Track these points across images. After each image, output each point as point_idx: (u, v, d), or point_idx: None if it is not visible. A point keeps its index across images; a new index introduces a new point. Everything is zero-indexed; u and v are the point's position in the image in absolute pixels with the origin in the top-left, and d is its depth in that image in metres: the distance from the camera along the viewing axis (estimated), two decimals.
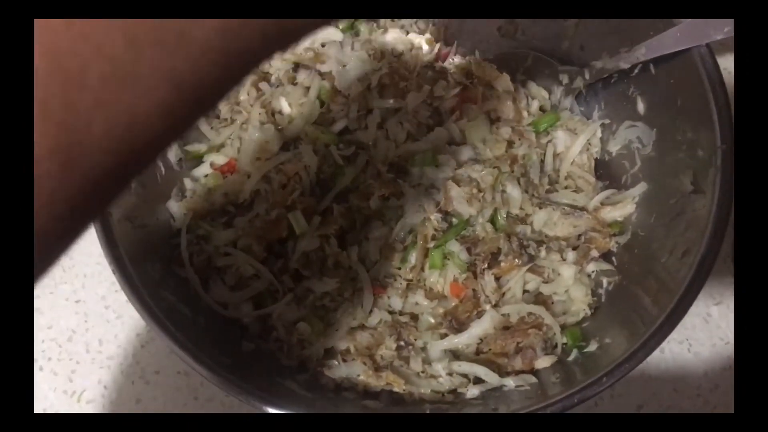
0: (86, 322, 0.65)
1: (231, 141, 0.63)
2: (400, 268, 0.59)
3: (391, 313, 0.58)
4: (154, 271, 0.53)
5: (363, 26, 0.67)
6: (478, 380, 0.55)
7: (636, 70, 0.60)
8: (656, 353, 0.51)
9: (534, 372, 0.54)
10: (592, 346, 0.54)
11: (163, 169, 0.60)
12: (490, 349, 0.56)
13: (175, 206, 0.60)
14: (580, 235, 0.61)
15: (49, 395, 0.61)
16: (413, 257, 0.59)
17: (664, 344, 0.51)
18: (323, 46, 0.66)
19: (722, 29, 0.54)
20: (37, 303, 0.65)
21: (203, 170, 0.62)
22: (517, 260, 0.58)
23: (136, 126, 0.21)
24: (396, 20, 0.69)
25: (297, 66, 0.66)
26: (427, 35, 0.67)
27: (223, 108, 0.65)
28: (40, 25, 0.19)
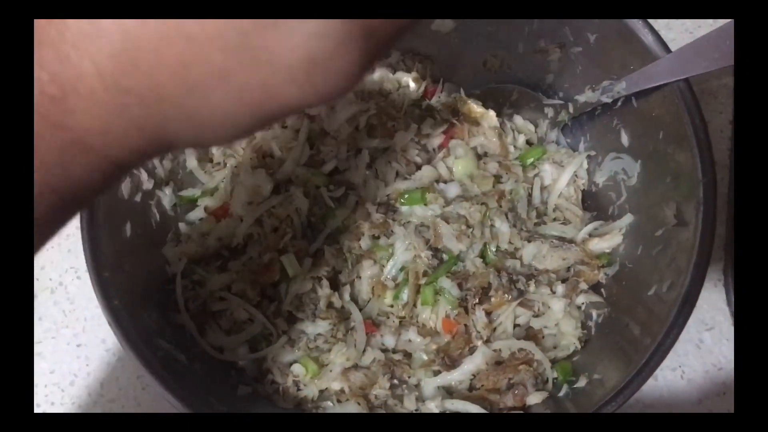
0: (87, 366, 0.66)
1: (224, 184, 0.64)
2: (392, 306, 0.61)
3: (384, 351, 0.59)
4: (150, 319, 0.55)
5: None
6: None
7: (618, 103, 0.61)
8: (649, 381, 0.51)
9: (525, 408, 0.55)
10: (582, 382, 0.55)
11: (158, 215, 0.61)
12: (482, 386, 0.57)
13: (170, 251, 0.61)
14: (569, 268, 0.62)
15: None
16: (405, 294, 0.60)
17: (657, 371, 0.52)
18: None
19: (700, 65, 0.54)
20: (40, 348, 0.66)
21: (197, 214, 0.64)
22: (507, 295, 0.59)
23: None
24: (384, 59, 0.70)
25: None
26: (414, 73, 0.69)
27: (216, 152, 0.66)
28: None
